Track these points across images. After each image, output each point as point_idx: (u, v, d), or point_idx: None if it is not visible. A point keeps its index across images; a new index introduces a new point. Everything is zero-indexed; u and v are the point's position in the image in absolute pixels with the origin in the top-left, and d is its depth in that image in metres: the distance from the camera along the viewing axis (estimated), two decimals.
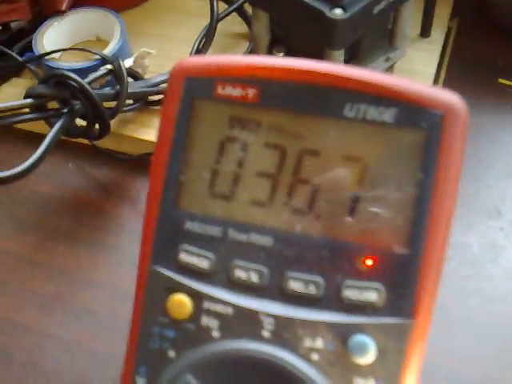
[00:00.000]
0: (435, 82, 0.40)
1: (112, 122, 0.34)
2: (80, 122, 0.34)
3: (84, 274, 0.32)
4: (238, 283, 0.19)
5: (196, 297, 0.19)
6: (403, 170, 0.19)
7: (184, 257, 0.20)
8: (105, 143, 0.36)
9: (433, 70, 0.39)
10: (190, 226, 0.20)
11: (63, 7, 0.39)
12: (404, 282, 0.18)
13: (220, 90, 0.20)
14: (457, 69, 0.41)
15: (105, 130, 0.34)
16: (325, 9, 0.32)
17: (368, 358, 0.18)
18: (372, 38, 0.37)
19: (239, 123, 0.20)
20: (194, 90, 0.20)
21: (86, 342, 0.29)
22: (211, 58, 0.21)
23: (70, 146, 0.38)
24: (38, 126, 0.35)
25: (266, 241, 0.19)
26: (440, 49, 0.41)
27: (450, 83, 0.41)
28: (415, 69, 0.40)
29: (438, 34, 0.41)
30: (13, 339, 0.29)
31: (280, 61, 0.20)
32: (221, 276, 0.20)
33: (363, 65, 0.38)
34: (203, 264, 0.20)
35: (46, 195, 0.36)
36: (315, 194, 0.20)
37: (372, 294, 0.18)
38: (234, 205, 0.20)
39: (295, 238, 0.19)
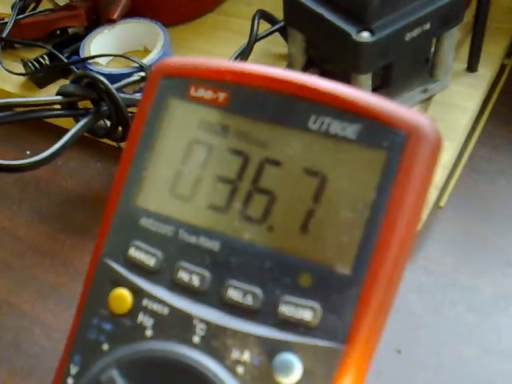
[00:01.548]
0: (477, 119, 0.39)
1: None
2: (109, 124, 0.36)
3: (85, 268, 0.32)
4: (180, 285, 0.19)
5: (137, 293, 0.19)
6: (359, 190, 0.18)
7: (133, 252, 0.20)
8: None
9: (474, 106, 0.37)
10: (144, 222, 0.20)
11: (115, 16, 0.41)
12: (342, 304, 0.17)
13: (193, 92, 0.20)
14: (504, 109, 0.39)
15: (127, 133, 0.35)
16: (352, 31, 0.32)
17: (291, 378, 0.17)
18: (406, 66, 0.36)
19: (208, 126, 0.20)
20: (169, 89, 0.21)
21: None
22: (189, 60, 0.21)
23: (102, 147, 0.39)
24: (69, 123, 0.37)
25: (213, 245, 0.19)
26: (486, 85, 0.39)
27: (493, 122, 0.39)
28: (455, 103, 0.38)
29: (486, 70, 0.39)
30: (5, 320, 0.30)
31: (250, 67, 0.20)
32: (165, 275, 0.19)
33: (396, 93, 0.37)
34: (150, 261, 0.19)
35: (70, 190, 0.37)
36: (271, 204, 0.19)
37: (307, 313, 0.17)
38: (190, 206, 0.20)
39: (242, 245, 0.19)
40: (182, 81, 0.20)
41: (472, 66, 0.39)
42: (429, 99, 0.38)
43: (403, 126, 0.18)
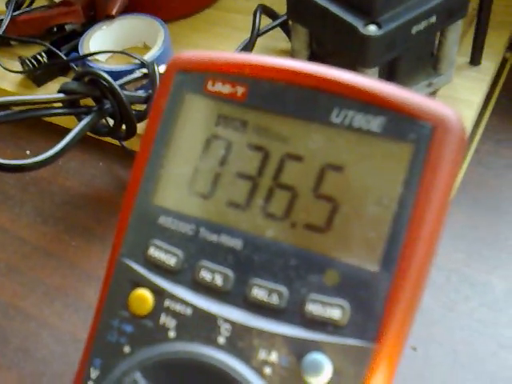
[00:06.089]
0: (481, 113, 0.38)
1: (141, 125, 0.35)
2: (111, 122, 0.35)
3: (91, 270, 0.32)
4: (202, 284, 0.19)
5: (158, 294, 0.19)
6: (385, 184, 0.18)
7: (153, 252, 0.19)
8: (134, 146, 0.37)
9: (478, 100, 0.37)
10: (163, 221, 0.19)
11: (113, 12, 0.41)
12: (371, 302, 0.17)
13: (210, 86, 0.20)
14: (507, 103, 0.39)
15: (131, 131, 0.34)
16: (359, 25, 0.32)
17: (321, 378, 0.17)
18: (412, 59, 0.35)
19: (226, 121, 0.20)
20: (185, 84, 0.20)
21: (80, 335, 0.29)
22: (205, 53, 0.20)
23: (104, 146, 0.39)
24: (70, 122, 0.36)
25: (235, 243, 0.19)
26: (489, 79, 0.39)
27: (497, 116, 0.38)
28: (459, 97, 0.38)
29: (489, 64, 0.39)
30: (12, 324, 0.30)
31: (269, 59, 0.19)
32: (186, 275, 0.19)
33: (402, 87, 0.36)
34: (171, 261, 0.19)
35: (73, 191, 0.37)
36: (294, 200, 0.19)
37: (335, 311, 0.17)
38: (210, 204, 0.19)
39: (265, 243, 0.18)
40: (198, 75, 0.20)
41: (475, 60, 0.39)
42: (433, 93, 0.38)
43: (429, 117, 0.18)
